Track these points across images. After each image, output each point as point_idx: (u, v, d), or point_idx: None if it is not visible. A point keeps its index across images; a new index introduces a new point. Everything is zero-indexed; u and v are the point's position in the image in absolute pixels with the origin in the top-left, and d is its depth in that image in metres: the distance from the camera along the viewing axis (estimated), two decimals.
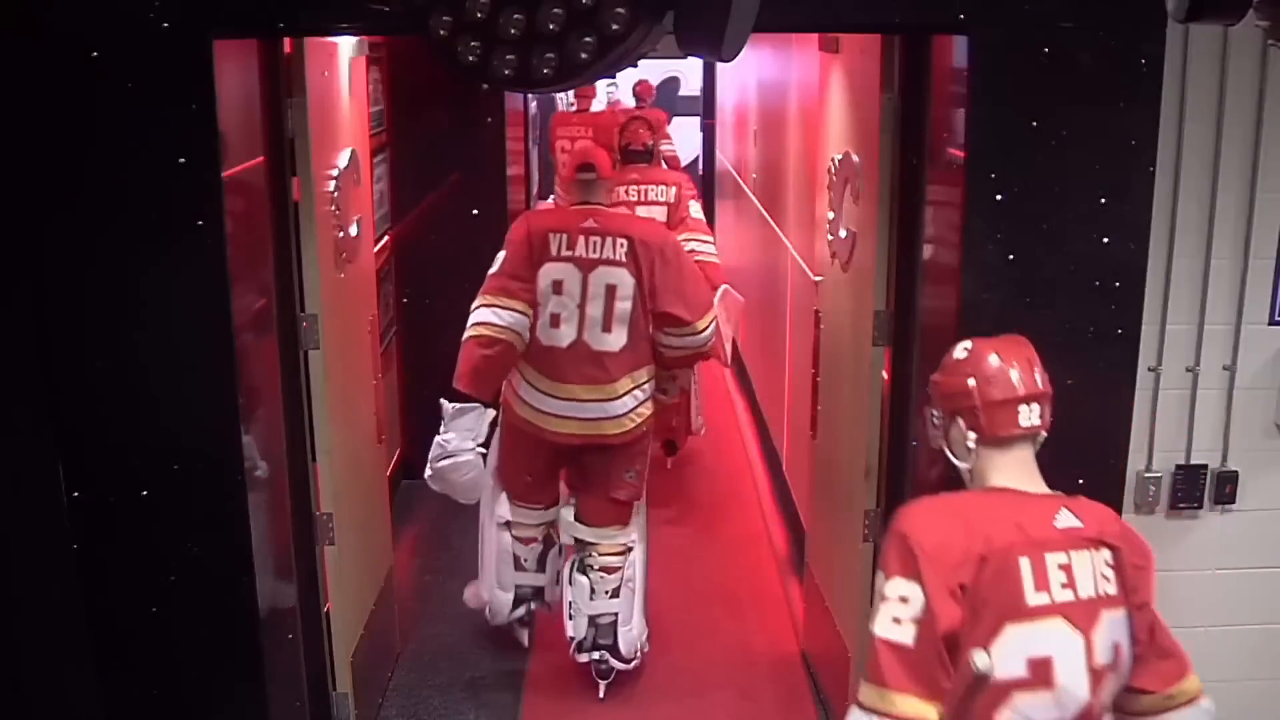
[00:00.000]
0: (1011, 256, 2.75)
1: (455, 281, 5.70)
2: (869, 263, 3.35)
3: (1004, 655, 1.91)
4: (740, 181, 7.32)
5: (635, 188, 5.57)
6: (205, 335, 2.71)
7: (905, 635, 1.92)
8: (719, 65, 8.91)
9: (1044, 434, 2.15)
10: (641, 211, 5.33)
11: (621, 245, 3.90)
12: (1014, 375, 2.10)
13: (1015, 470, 2.11)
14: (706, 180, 10.62)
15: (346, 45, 3.75)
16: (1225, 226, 3.14)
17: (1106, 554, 2.00)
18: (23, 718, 2.71)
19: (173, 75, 2.57)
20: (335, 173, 3.56)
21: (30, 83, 2.56)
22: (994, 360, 2.11)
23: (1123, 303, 2.79)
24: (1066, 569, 1.96)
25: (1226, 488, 3.28)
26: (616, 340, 3.92)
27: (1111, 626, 1.98)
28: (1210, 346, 3.21)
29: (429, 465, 3.99)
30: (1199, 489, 3.29)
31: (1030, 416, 2.10)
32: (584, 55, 1.43)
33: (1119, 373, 2.85)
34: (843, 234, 3.67)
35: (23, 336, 2.67)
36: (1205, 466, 3.28)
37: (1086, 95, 2.68)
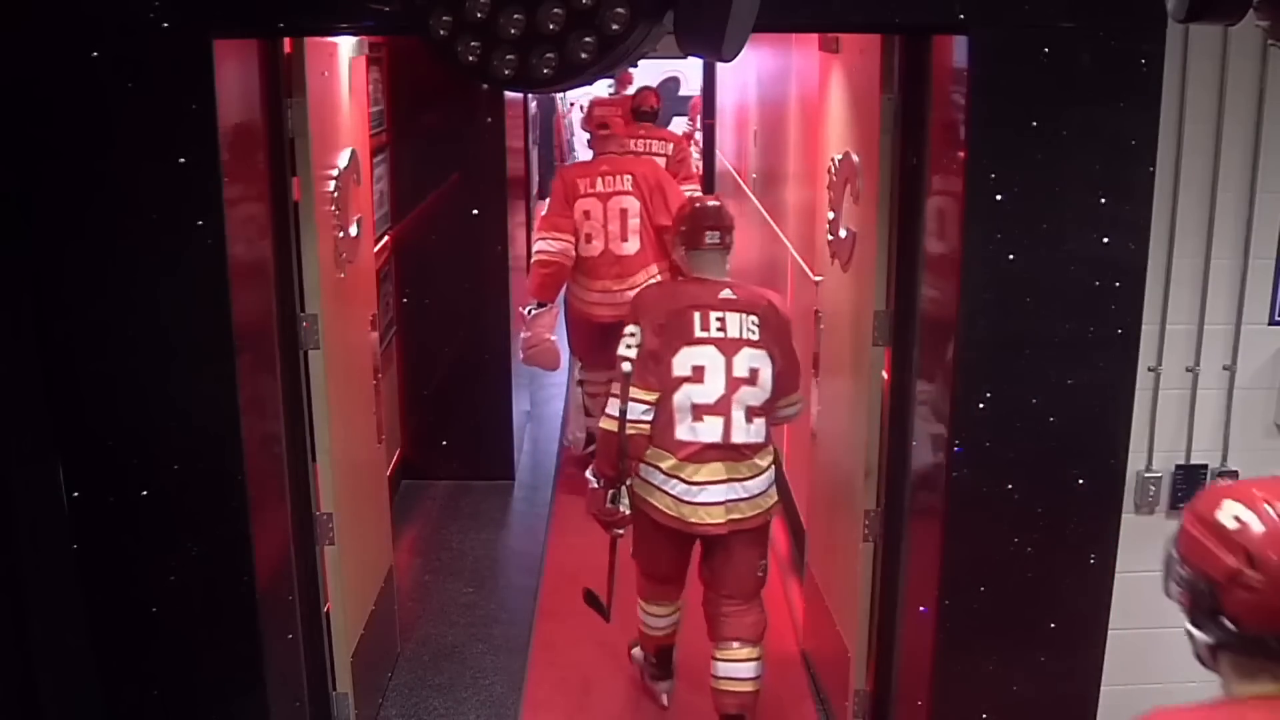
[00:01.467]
0: (1011, 256, 2.75)
1: (455, 281, 5.73)
2: (869, 263, 3.35)
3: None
4: (740, 181, 7.31)
5: (641, 141, 6.93)
6: (205, 335, 2.71)
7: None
8: (719, 65, 8.91)
9: None
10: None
11: (627, 179, 5.61)
12: None
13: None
14: (707, 180, 10.62)
15: (346, 45, 3.75)
16: (1225, 226, 3.14)
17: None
18: (23, 718, 2.71)
19: (173, 75, 2.57)
20: (335, 173, 3.55)
21: (30, 83, 2.57)
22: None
23: (1123, 303, 2.79)
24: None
25: None
26: (631, 247, 5.61)
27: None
28: (1210, 346, 3.21)
29: (521, 351, 5.74)
30: (1199, 489, 3.28)
31: None
32: (584, 55, 1.43)
33: (1119, 373, 2.85)
34: (843, 234, 3.67)
35: (23, 336, 2.67)
36: (1205, 466, 3.28)
37: (1086, 95, 2.68)
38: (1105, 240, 2.74)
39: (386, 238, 5.40)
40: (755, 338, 3.60)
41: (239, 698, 2.91)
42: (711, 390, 3.56)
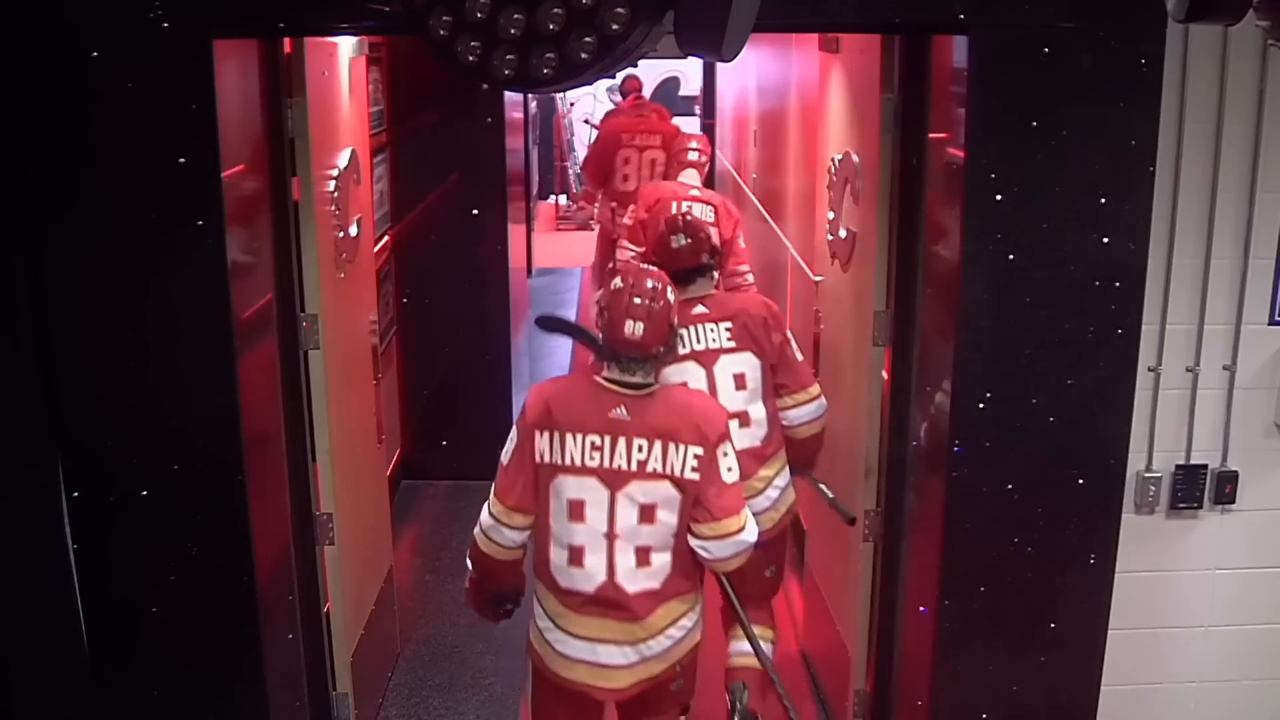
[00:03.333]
0: (1011, 256, 2.75)
1: (455, 281, 5.73)
2: (869, 263, 3.35)
3: None
4: (740, 181, 7.31)
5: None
6: (205, 335, 2.71)
7: None
8: (719, 65, 8.90)
9: None
10: None
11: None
12: None
13: None
14: (707, 180, 10.62)
15: (346, 45, 3.75)
16: (1225, 226, 3.14)
17: None
18: (22, 718, 2.71)
19: (173, 75, 2.57)
20: (335, 173, 3.56)
21: (31, 83, 2.57)
22: None
23: (1123, 303, 2.78)
24: None
25: (1226, 488, 3.29)
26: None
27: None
28: (1210, 346, 3.22)
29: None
30: (1199, 489, 3.29)
31: None
32: (584, 55, 1.43)
33: (1119, 373, 2.85)
34: (843, 234, 3.67)
35: (22, 337, 2.67)
36: (1205, 466, 3.28)
37: (1086, 95, 2.67)
38: (1105, 240, 2.74)
39: (386, 238, 5.40)
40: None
41: (239, 698, 2.91)
42: None
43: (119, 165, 2.62)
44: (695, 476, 2.80)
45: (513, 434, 2.89)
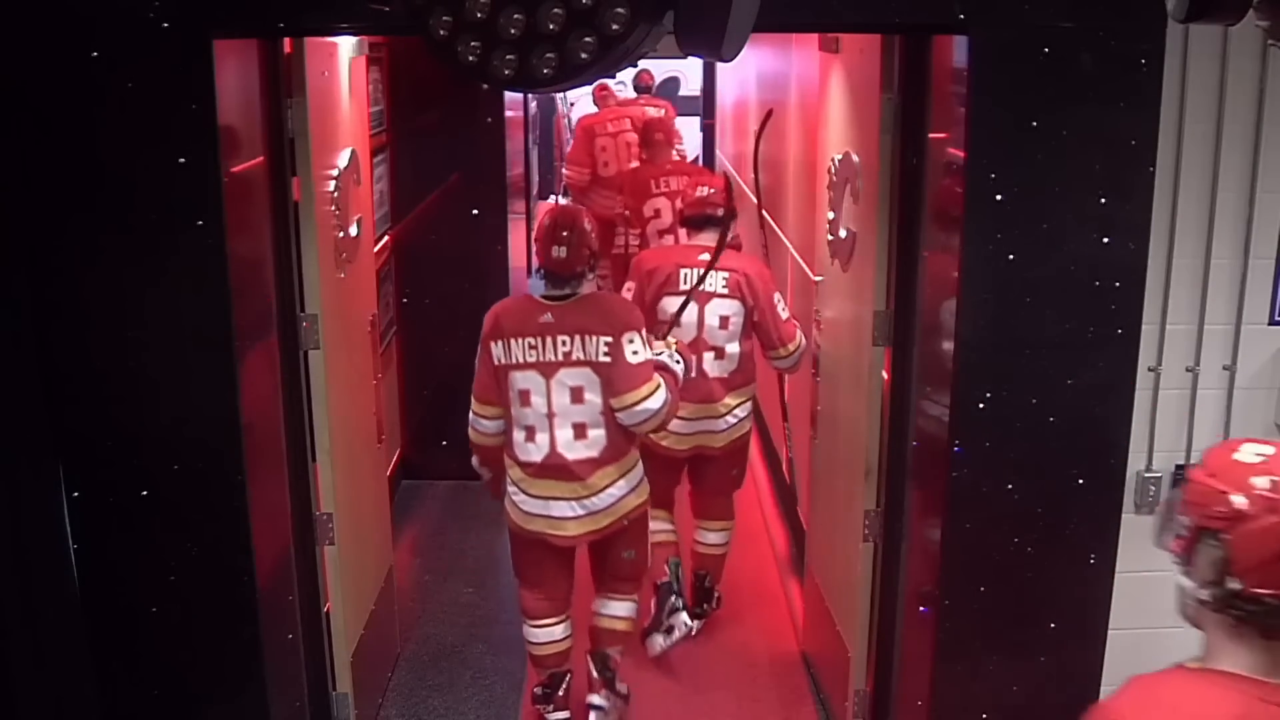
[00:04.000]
0: (1011, 256, 2.75)
1: (455, 281, 5.73)
2: (869, 263, 3.35)
3: None
4: (740, 181, 7.32)
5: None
6: (205, 335, 2.71)
7: None
8: (719, 65, 8.91)
9: None
10: None
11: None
12: None
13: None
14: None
15: (346, 45, 3.75)
16: (1225, 226, 3.14)
17: None
18: (22, 718, 2.71)
19: (173, 75, 2.57)
20: (335, 173, 3.56)
21: (30, 83, 2.56)
22: None
23: (1123, 303, 2.79)
24: None
25: None
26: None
27: None
28: (1210, 346, 3.21)
29: None
30: None
31: None
32: (584, 55, 1.43)
33: (1119, 373, 2.85)
34: (843, 234, 3.67)
35: (22, 337, 2.67)
36: None
37: (1086, 95, 2.67)
38: (1105, 240, 2.74)
39: (386, 238, 5.40)
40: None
41: (239, 698, 2.91)
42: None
43: (119, 165, 2.62)
44: (607, 360, 3.49)
45: (479, 348, 3.62)
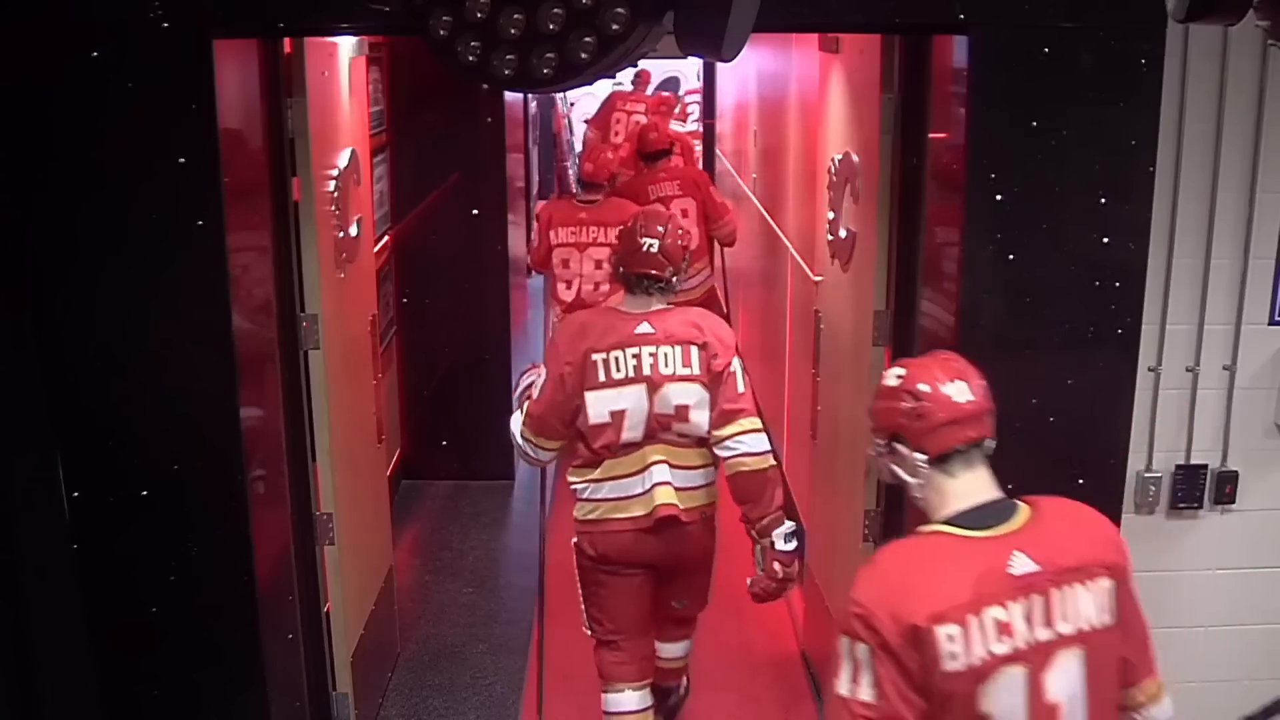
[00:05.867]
0: (1011, 256, 2.75)
1: (455, 281, 5.73)
2: (869, 263, 3.35)
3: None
4: (740, 181, 7.31)
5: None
6: (205, 335, 2.71)
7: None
8: (719, 65, 8.91)
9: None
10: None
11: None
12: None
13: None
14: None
15: (346, 45, 3.75)
16: (1225, 226, 3.14)
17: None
18: (23, 718, 2.71)
19: (173, 75, 2.57)
20: (335, 173, 3.56)
21: (30, 83, 2.56)
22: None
23: (1123, 303, 2.79)
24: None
25: (1226, 488, 3.28)
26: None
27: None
28: (1210, 346, 3.21)
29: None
30: (1199, 489, 3.29)
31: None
32: (584, 55, 1.43)
33: (1119, 373, 2.85)
34: (843, 234, 3.67)
35: (23, 337, 2.67)
36: (1205, 466, 3.28)
37: (1086, 95, 2.68)
38: (1105, 240, 2.74)
39: (386, 238, 5.40)
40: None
41: (239, 698, 2.91)
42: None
43: (119, 165, 2.62)
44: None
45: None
